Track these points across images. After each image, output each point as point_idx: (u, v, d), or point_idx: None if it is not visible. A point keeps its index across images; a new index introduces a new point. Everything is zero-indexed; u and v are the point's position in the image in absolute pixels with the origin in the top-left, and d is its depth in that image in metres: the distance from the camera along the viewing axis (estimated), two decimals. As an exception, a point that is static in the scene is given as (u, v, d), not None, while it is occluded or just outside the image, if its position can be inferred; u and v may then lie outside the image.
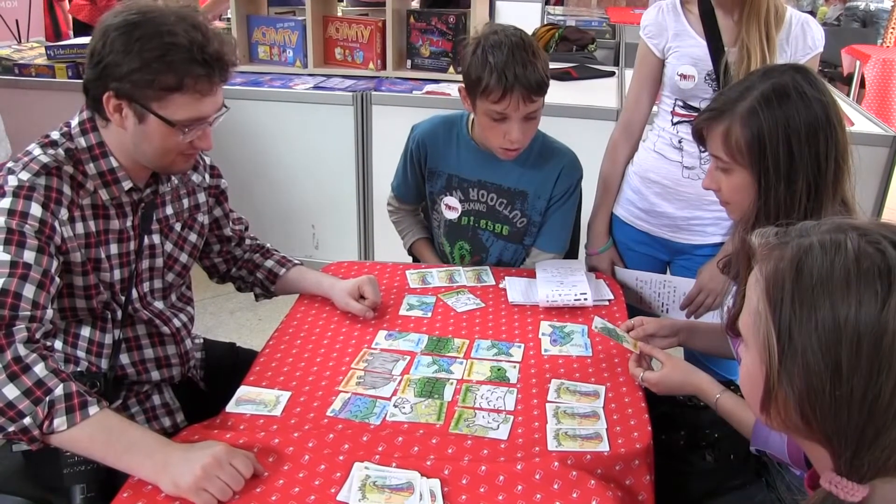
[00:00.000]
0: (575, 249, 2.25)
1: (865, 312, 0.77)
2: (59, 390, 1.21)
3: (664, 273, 2.14)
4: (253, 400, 1.44)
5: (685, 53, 1.91)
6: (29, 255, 1.29)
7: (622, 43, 4.83)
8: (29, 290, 1.27)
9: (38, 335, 1.27)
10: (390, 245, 3.66)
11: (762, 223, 1.32)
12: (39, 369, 1.21)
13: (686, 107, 1.95)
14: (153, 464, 1.19)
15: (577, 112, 3.24)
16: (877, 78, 5.55)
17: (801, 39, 1.85)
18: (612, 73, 3.99)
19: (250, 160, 3.56)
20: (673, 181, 1.98)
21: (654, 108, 2.09)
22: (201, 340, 1.81)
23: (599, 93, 3.59)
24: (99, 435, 1.21)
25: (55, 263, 1.34)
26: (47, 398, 1.20)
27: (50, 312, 1.31)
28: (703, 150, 1.49)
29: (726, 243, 1.92)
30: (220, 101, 1.46)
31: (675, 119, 1.97)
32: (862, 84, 5.81)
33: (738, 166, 1.39)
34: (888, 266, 0.78)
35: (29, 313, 1.27)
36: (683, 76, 1.91)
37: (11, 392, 1.18)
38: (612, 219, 2.16)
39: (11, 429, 1.18)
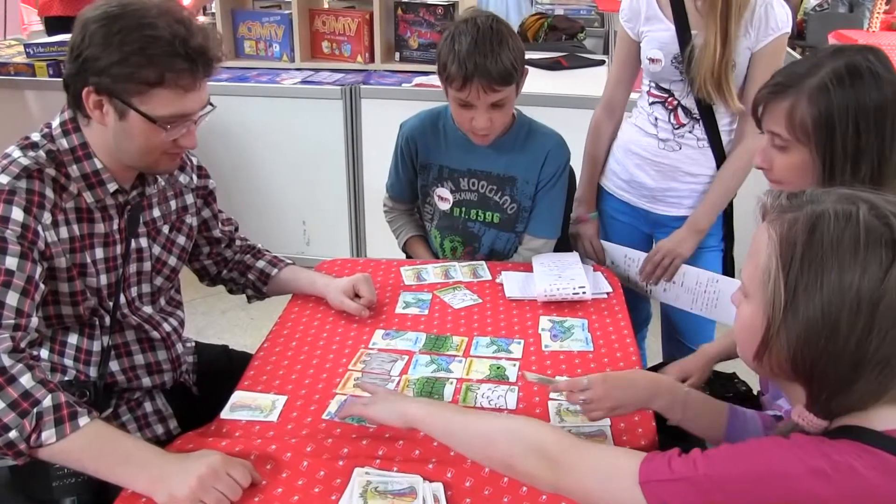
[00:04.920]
0: (569, 242, 2.22)
1: (868, 279, 0.85)
2: (47, 401, 1.16)
3: (649, 247, 2.15)
4: (248, 405, 1.40)
5: (654, 38, 1.94)
6: (11, 262, 1.24)
7: (611, 31, 4.80)
8: (12, 298, 1.23)
9: (23, 344, 1.22)
10: (382, 240, 3.61)
11: None
12: (26, 380, 1.17)
13: (658, 88, 2.00)
14: (148, 476, 1.15)
15: (569, 101, 3.21)
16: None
17: (764, 21, 1.84)
18: (602, 62, 3.95)
19: (238, 157, 3.51)
20: (651, 152, 2.03)
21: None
22: (192, 344, 1.77)
23: (590, 82, 3.54)
24: (90, 447, 1.17)
25: (39, 269, 1.29)
26: (34, 410, 1.15)
27: (35, 320, 1.27)
28: (759, 128, 1.43)
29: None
30: (205, 97, 1.41)
31: (651, 99, 2.02)
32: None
33: (798, 145, 1.33)
34: (893, 238, 0.86)
35: (13, 322, 1.22)
36: (652, 60, 1.95)
37: None
38: (599, 190, 2.21)
39: None
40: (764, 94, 1.37)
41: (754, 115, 1.41)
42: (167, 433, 1.58)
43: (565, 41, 4.61)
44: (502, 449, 1.05)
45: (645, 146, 2.04)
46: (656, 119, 2.00)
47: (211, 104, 1.43)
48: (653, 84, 2.00)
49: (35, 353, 1.35)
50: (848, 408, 0.90)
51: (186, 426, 1.56)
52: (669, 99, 1.97)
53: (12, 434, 1.14)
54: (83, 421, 1.18)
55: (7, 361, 1.17)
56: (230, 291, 1.87)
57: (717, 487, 0.88)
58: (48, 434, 1.15)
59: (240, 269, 1.81)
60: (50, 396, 1.17)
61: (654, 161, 2.02)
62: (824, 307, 0.86)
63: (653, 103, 2.01)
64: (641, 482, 0.92)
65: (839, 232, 0.87)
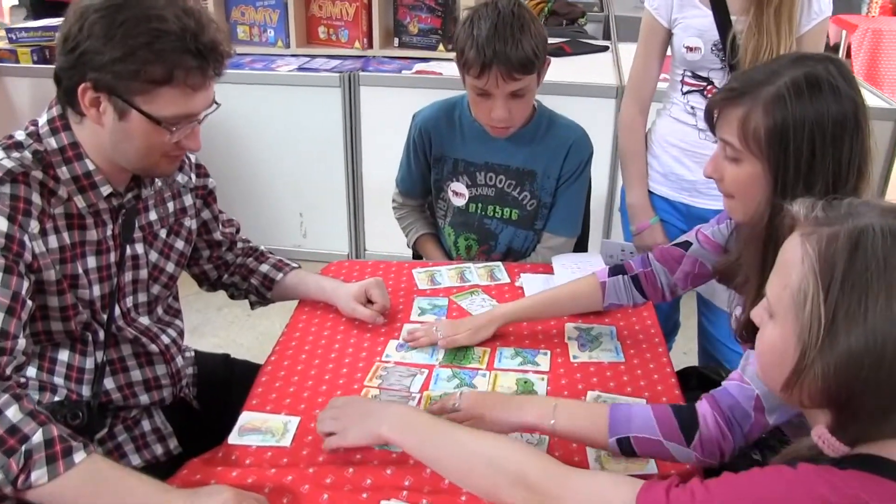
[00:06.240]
0: (585, 241, 2.11)
1: None
2: (37, 437, 1.03)
3: None
4: (258, 428, 1.28)
5: (690, 25, 1.85)
6: None
7: (611, 15, 4.67)
8: None
9: (8, 370, 1.09)
10: (382, 233, 3.53)
11: (774, 232, 1.16)
12: (12, 413, 1.03)
13: (695, 76, 1.90)
14: None
15: (575, 90, 3.10)
16: (867, 48, 5.43)
17: (807, 5, 1.77)
18: (605, 48, 3.83)
19: (231, 147, 3.37)
20: (690, 143, 1.93)
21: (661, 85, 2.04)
22: (192, 354, 1.65)
23: (595, 69, 3.45)
24: (86, 486, 1.04)
25: (26, 284, 1.16)
26: (23, 447, 1.02)
27: (22, 342, 1.14)
28: (713, 133, 1.33)
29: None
30: (212, 96, 1.29)
31: (685, 88, 1.93)
32: (846, 54, 5.69)
33: (750, 156, 1.23)
34: None
35: None
36: (690, 48, 1.85)
37: None
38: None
39: None
40: (718, 100, 1.27)
41: (708, 121, 1.32)
42: (167, 453, 1.47)
43: (566, 27, 4.49)
44: (484, 477, 0.99)
45: (683, 137, 1.94)
46: (693, 108, 1.90)
47: (216, 102, 1.31)
48: (688, 73, 1.90)
49: (23, 379, 1.22)
50: (875, 436, 0.84)
51: (188, 444, 1.46)
52: (709, 87, 1.86)
53: None
54: (79, 457, 1.05)
55: None
56: (231, 297, 1.75)
57: None
58: (38, 474, 1.02)
59: (242, 274, 1.69)
60: (41, 431, 1.04)
61: (694, 152, 1.91)
62: (868, 335, 0.78)
63: (688, 92, 1.91)
64: None
65: (886, 250, 0.79)
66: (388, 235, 3.39)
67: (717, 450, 1.16)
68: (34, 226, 1.19)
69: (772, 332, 0.89)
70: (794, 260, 0.85)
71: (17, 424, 1.03)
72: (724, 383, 1.22)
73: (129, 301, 1.41)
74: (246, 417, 1.31)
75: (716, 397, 1.20)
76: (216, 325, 3.13)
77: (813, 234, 0.84)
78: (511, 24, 1.61)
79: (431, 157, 1.91)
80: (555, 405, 1.19)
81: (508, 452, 0.99)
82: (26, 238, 1.17)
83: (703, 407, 1.18)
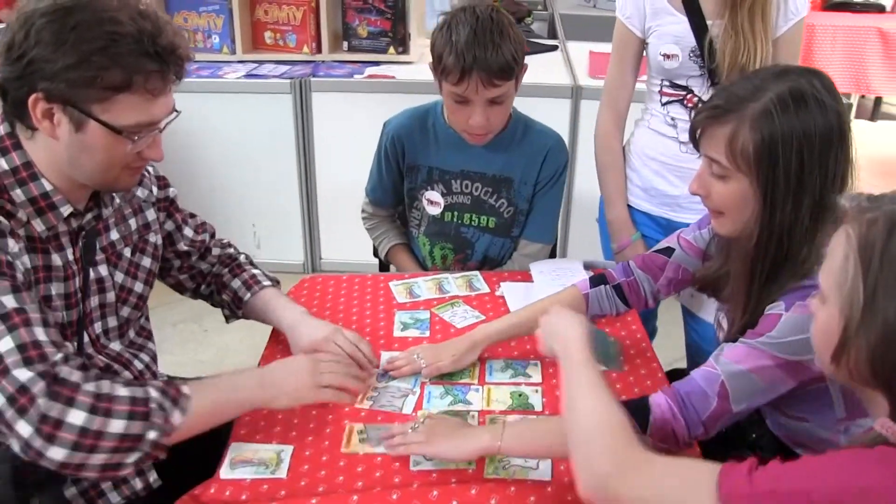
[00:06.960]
0: (553, 250, 2.09)
1: None
2: (153, 392, 1.13)
3: None
4: (250, 460, 1.22)
5: (665, 32, 1.81)
6: (10, 300, 1.10)
7: (556, 14, 4.69)
8: (40, 333, 1.10)
9: (82, 370, 1.12)
10: (337, 241, 3.46)
11: (763, 247, 1.22)
12: (120, 391, 1.11)
13: (673, 85, 1.86)
14: (263, 391, 1.26)
15: (530, 91, 3.02)
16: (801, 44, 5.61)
17: (783, 5, 1.76)
18: (555, 48, 3.84)
19: (182, 157, 3.24)
20: (671, 157, 1.88)
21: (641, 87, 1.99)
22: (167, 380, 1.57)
23: (547, 68, 3.43)
24: (206, 406, 1.19)
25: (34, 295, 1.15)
26: (151, 407, 1.12)
27: (70, 346, 1.16)
28: (697, 151, 1.32)
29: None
30: (172, 102, 1.24)
31: (664, 99, 1.88)
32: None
33: (738, 174, 1.23)
34: None
35: (60, 355, 1.10)
36: (667, 56, 1.81)
37: (118, 425, 1.08)
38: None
39: (139, 455, 1.11)
40: (702, 118, 1.27)
41: (692, 139, 1.31)
42: (146, 487, 1.37)
43: (513, 26, 4.48)
44: (580, 433, 1.00)
45: (664, 150, 1.88)
46: (674, 119, 1.86)
47: (176, 110, 1.26)
48: (666, 82, 1.86)
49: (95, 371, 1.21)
50: None
51: (168, 477, 1.37)
52: (688, 96, 1.83)
53: (152, 435, 1.11)
54: (186, 389, 1.17)
55: (92, 387, 1.09)
56: (213, 305, 1.68)
57: (803, 502, 0.83)
58: (177, 416, 1.14)
59: (217, 286, 1.62)
60: (150, 387, 1.14)
61: (676, 166, 1.86)
62: None
63: (667, 102, 1.86)
64: (722, 497, 0.86)
65: None
66: (343, 243, 3.33)
67: (669, 431, 1.18)
68: (13, 245, 1.14)
69: (821, 314, 0.95)
70: (838, 245, 0.91)
71: (132, 395, 1.11)
72: (692, 371, 1.23)
73: (98, 327, 1.33)
74: (236, 449, 1.25)
75: (674, 385, 1.21)
76: (172, 343, 3.01)
77: (855, 221, 0.90)
78: (490, 29, 1.59)
79: (405, 166, 1.87)
80: (503, 427, 1.20)
81: (614, 418, 0.99)
82: (9, 257, 1.13)
83: (657, 396, 1.21)
